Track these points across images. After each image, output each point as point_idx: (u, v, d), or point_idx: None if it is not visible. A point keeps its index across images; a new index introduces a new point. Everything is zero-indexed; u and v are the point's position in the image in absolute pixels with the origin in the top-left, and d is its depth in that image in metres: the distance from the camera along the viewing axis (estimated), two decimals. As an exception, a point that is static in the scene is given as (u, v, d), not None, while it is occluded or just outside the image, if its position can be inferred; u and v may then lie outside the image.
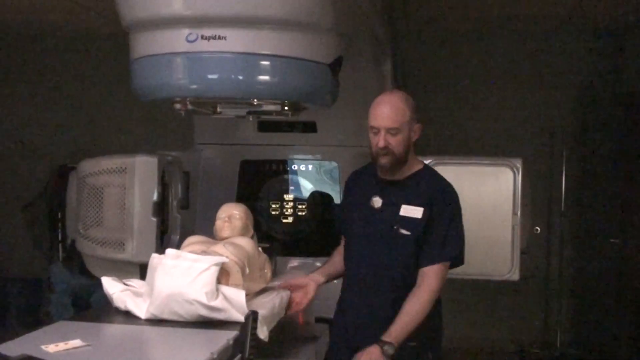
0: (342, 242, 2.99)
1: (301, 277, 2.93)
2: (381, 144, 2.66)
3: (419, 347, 2.70)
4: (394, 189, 2.77)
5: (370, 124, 2.71)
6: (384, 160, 2.70)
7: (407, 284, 2.69)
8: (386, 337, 2.57)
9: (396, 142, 2.67)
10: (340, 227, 3.01)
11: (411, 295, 2.66)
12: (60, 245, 5.15)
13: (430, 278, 2.67)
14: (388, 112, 2.68)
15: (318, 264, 4.18)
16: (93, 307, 4.53)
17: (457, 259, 2.75)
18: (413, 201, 2.71)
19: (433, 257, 2.69)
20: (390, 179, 2.78)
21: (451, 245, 2.72)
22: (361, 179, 2.93)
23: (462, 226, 2.78)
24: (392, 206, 2.73)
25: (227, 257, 2.42)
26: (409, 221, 2.69)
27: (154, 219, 3.61)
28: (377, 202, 2.76)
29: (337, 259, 2.99)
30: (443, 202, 2.73)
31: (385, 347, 2.55)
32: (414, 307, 2.62)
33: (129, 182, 3.60)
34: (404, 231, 2.68)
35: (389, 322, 2.62)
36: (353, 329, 2.78)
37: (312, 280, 2.88)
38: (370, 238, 2.76)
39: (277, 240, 4.16)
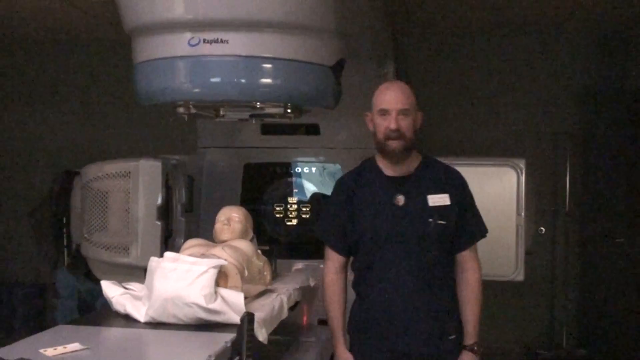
0: (335, 263, 2.80)
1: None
2: (393, 125, 2.62)
3: (458, 339, 2.74)
4: (409, 182, 2.71)
5: (380, 107, 2.67)
6: (394, 144, 2.65)
7: (440, 272, 2.70)
8: (469, 340, 2.72)
9: (406, 125, 2.65)
10: (334, 240, 2.79)
11: (466, 286, 2.73)
12: (65, 250, 5.17)
13: (473, 261, 2.75)
14: (399, 94, 2.67)
15: (322, 267, 4.19)
16: (98, 311, 4.54)
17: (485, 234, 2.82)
18: (435, 190, 2.69)
19: (469, 241, 2.75)
20: (399, 174, 2.72)
21: (480, 224, 2.79)
22: (363, 182, 2.78)
23: None
24: (416, 200, 2.68)
25: (225, 259, 2.42)
26: (441, 210, 2.67)
27: (158, 223, 3.62)
28: (400, 199, 2.68)
29: (342, 300, 2.80)
30: (461, 185, 2.76)
31: (475, 349, 2.71)
32: (478, 296, 2.73)
33: (133, 186, 3.62)
34: (441, 221, 2.66)
35: (429, 314, 2.65)
36: (398, 335, 2.66)
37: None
38: (404, 236, 2.66)
39: (281, 243, 4.17)
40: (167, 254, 2.42)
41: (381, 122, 2.66)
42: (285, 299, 2.64)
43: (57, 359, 1.92)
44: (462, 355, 2.72)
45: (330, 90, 2.91)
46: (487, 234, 2.81)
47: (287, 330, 2.99)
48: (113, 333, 2.31)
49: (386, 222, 2.67)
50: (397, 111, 2.63)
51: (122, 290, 2.47)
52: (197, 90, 2.74)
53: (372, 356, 2.72)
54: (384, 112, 2.65)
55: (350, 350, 2.78)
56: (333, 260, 2.81)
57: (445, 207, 2.68)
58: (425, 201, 2.67)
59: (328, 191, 4.29)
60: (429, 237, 2.66)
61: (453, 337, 2.71)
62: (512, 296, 5.59)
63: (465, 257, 2.75)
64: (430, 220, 2.66)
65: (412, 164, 2.74)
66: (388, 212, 2.68)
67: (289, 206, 4.27)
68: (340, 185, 2.87)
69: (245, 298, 2.35)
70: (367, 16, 3.50)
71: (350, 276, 2.85)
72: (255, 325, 2.15)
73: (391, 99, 2.65)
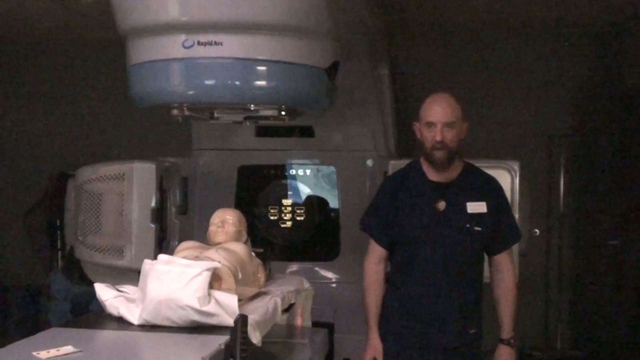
0: (377, 254, 3.01)
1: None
2: (438, 137, 2.82)
3: (478, 333, 2.99)
4: (451, 189, 2.93)
5: (427, 120, 2.87)
6: (439, 154, 2.86)
7: (470, 272, 2.94)
8: (506, 335, 2.99)
9: (451, 137, 2.85)
10: (378, 234, 3.00)
11: (502, 286, 2.98)
12: (59, 252, 5.15)
13: (508, 263, 2.99)
14: (444, 107, 2.86)
15: (317, 269, 4.20)
16: (92, 314, 4.53)
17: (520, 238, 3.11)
18: (474, 198, 2.91)
19: (504, 244, 2.99)
20: (444, 180, 2.94)
21: (515, 228, 3.05)
22: (408, 184, 2.99)
23: None
24: (456, 206, 2.90)
25: (219, 262, 2.42)
26: (478, 217, 2.90)
27: (153, 225, 3.62)
28: (442, 205, 2.90)
29: (380, 290, 3.01)
30: (498, 193, 3.01)
31: (512, 342, 2.99)
32: (514, 295, 2.99)
33: (127, 188, 3.62)
34: (477, 228, 2.89)
35: (456, 310, 2.89)
36: (426, 326, 2.92)
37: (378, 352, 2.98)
38: (442, 239, 2.89)
39: (276, 245, 4.17)
40: (161, 256, 2.41)
41: (428, 134, 2.87)
42: (279, 301, 2.64)
43: (50, 362, 1.92)
44: (499, 349, 3.00)
45: (324, 92, 2.91)
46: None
47: (281, 333, 2.99)
48: (106, 336, 2.30)
49: (427, 225, 2.90)
50: (442, 124, 2.83)
51: (116, 292, 2.46)
52: (191, 92, 2.73)
53: (401, 343, 2.96)
54: (431, 125, 2.85)
55: (380, 336, 3.01)
56: (375, 253, 3.02)
57: (482, 214, 2.90)
58: (464, 208, 2.90)
59: (323, 193, 4.32)
60: (465, 242, 2.90)
61: (473, 331, 2.96)
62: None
63: (501, 259, 2.99)
64: (468, 226, 2.89)
65: (454, 170, 2.95)
66: (429, 216, 2.91)
67: (283, 208, 4.28)
68: (386, 184, 3.12)
69: (239, 300, 2.34)
70: (362, 18, 3.50)
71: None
72: (249, 327, 2.15)
73: (437, 112, 2.85)
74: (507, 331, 2.99)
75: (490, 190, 2.98)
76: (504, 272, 2.99)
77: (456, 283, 2.90)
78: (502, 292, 2.99)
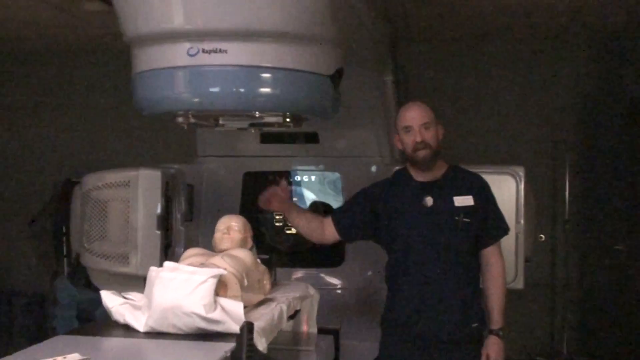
0: (331, 226, 3.23)
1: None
2: (418, 138, 3.02)
3: (481, 327, 3.09)
4: (436, 186, 3.08)
5: (404, 125, 3.07)
6: (423, 154, 3.03)
7: (465, 265, 3.05)
8: (496, 325, 3.07)
9: (430, 136, 3.03)
10: (338, 216, 3.24)
11: (490, 278, 3.10)
12: (65, 259, 5.17)
13: (496, 256, 3.12)
14: (418, 110, 3.07)
15: (322, 275, 4.21)
16: (98, 321, 4.53)
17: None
18: (460, 193, 3.06)
19: (492, 238, 3.11)
20: (428, 180, 3.10)
21: (502, 222, 3.16)
22: (395, 189, 3.16)
23: None
24: (443, 201, 3.05)
25: (225, 269, 2.41)
26: (465, 210, 3.03)
27: (158, 232, 3.62)
28: (429, 200, 3.06)
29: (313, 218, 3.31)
30: (484, 188, 3.14)
31: (500, 333, 3.06)
32: (501, 286, 3.10)
33: (133, 195, 3.62)
34: (466, 219, 3.02)
35: (455, 303, 3.01)
36: (427, 322, 3.03)
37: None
38: (433, 234, 3.03)
39: (281, 252, 4.17)
40: (167, 263, 2.41)
41: (407, 138, 3.06)
42: (284, 308, 2.63)
43: (56, 370, 1.92)
44: (489, 339, 3.07)
45: (329, 99, 2.90)
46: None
47: (286, 339, 2.98)
48: (113, 343, 2.29)
49: (417, 222, 3.06)
50: (419, 126, 3.03)
51: (122, 300, 2.46)
52: (196, 100, 2.73)
53: (403, 343, 3.09)
54: (408, 128, 3.05)
55: (382, 342, 3.18)
56: (328, 226, 3.24)
57: (469, 207, 3.04)
58: (452, 202, 3.05)
59: (328, 199, 4.32)
60: (456, 234, 3.03)
61: (476, 324, 3.07)
62: (512, 304, 5.57)
63: (489, 253, 3.11)
64: (457, 218, 3.02)
65: (439, 171, 3.12)
66: (418, 213, 3.07)
67: (288, 215, 4.26)
68: (370, 186, 3.28)
69: (245, 307, 2.34)
70: (366, 25, 3.50)
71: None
72: (255, 334, 2.14)
73: (412, 116, 3.06)
74: (496, 322, 3.08)
75: (476, 186, 3.12)
76: (492, 265, 3.10)
77: (452, 276, 3.03)
78: (491, 285, 3.10)
